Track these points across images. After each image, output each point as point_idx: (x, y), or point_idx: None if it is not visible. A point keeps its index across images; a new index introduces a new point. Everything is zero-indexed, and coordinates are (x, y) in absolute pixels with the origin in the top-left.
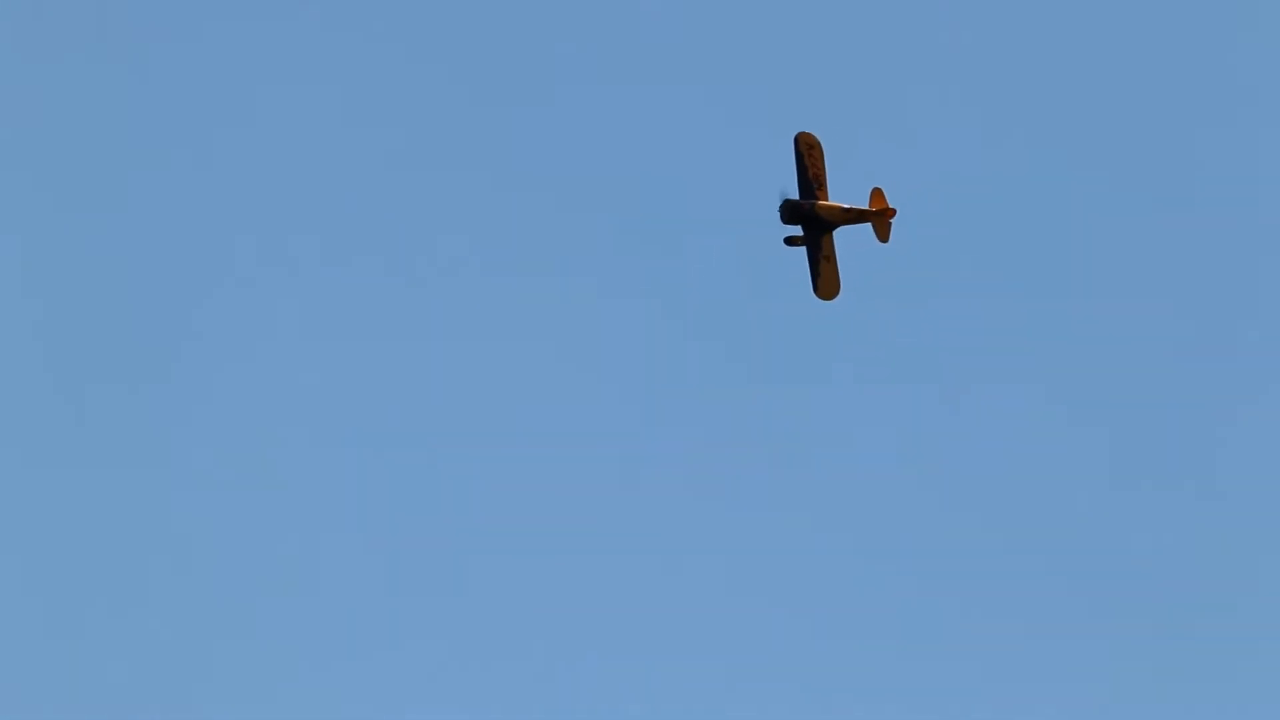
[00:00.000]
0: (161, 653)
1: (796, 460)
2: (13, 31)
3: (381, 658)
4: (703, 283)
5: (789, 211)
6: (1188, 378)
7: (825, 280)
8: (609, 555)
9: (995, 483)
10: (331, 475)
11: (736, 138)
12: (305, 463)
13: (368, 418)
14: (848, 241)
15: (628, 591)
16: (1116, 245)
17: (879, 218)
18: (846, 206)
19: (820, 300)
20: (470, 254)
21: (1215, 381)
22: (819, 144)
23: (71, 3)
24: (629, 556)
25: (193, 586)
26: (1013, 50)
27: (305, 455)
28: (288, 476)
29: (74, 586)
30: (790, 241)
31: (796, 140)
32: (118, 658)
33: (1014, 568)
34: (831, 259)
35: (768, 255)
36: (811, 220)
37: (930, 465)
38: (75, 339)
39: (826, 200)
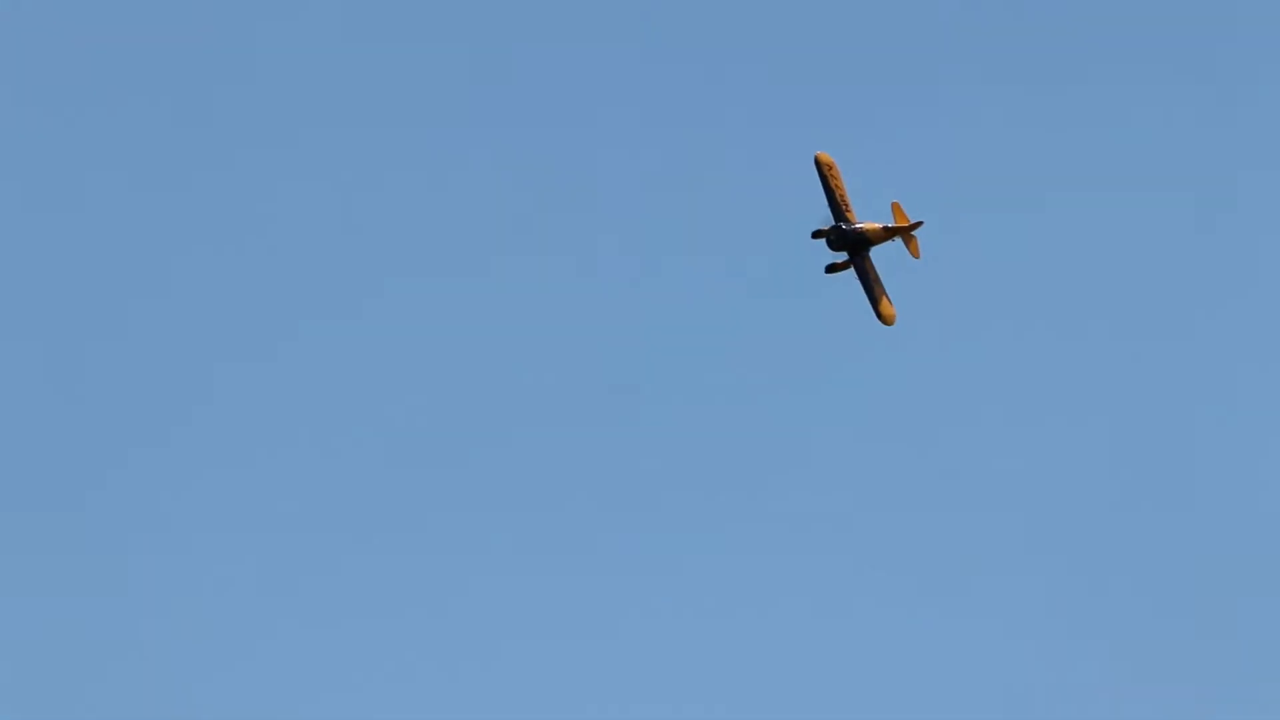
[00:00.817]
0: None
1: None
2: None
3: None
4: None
5: (838, 237)
6: None
7: (885, 302)
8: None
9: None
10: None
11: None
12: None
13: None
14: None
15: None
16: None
17: (910, 232)
18: (885, 225)
19: (884, 325)
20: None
21: None
22: (835, 163)
23: None
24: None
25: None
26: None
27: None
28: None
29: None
30: (832, 269)
31: (817, 162)
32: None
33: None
34: (880, 281)
35: (812, 286)
36: (857, 243)
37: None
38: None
39: (856, 220)
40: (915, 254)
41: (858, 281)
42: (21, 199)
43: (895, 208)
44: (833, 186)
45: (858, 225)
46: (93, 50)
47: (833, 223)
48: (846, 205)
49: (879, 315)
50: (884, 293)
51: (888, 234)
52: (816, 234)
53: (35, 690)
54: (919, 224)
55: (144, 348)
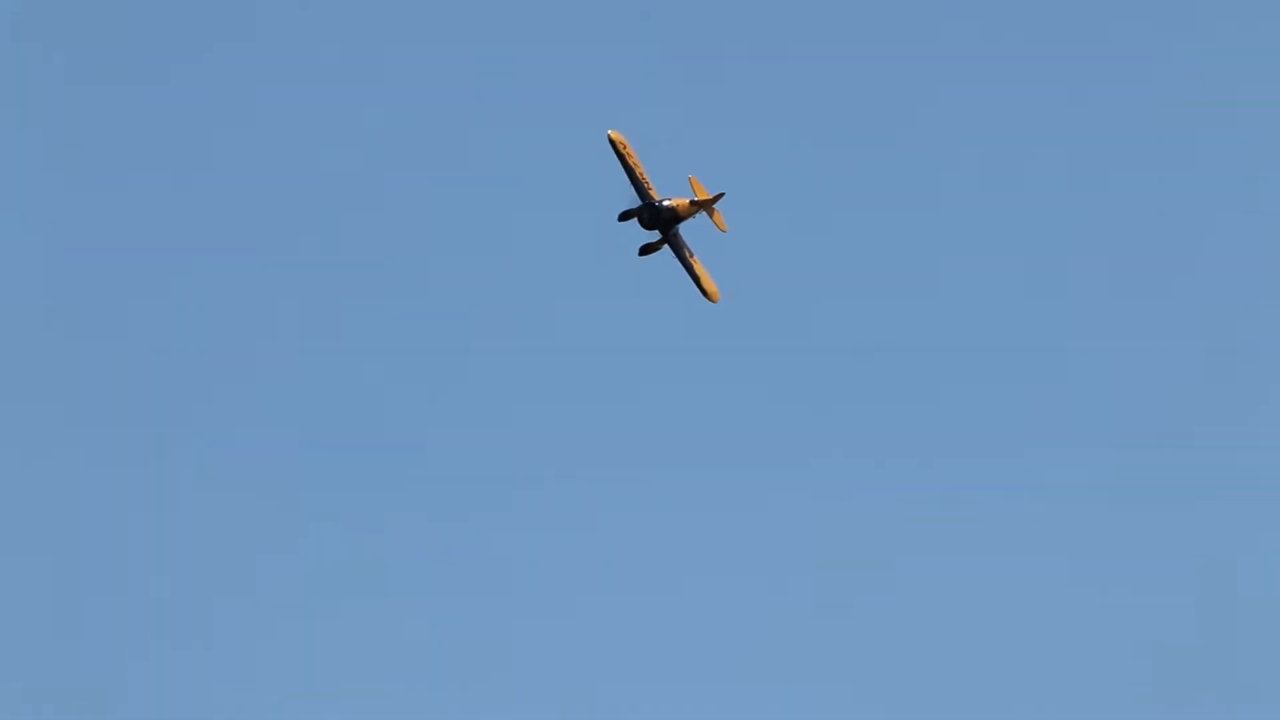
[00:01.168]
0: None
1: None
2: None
3: None
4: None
5: (651, 216)
6: None
7: (707, 279)
8: None
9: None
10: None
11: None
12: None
13: None
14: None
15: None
16: None
17: (713, 205)
18: (690, 200)
19: (709, 301)
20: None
21: None
22: (628, 140)
23: None
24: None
25: None
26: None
27: None
28: None
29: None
30: (646, 251)
31: (611, 141)
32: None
33: None
34: (695, 257)
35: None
36: (670, 221)
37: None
38: None
39: (658, 197)
40: (722, 227)
41: (674, 261)
42: (19, 196)
43: (693, 182)
44: (631, 165)
45: (666, 201)
46: (90, 45)
47: (640, 203)
48: (647, 183)
49: (704, 292)
50: (703, 269)
51: (694, 208)
52: (625, 215)
53: (32, 689)
54: (720, 196)
55: (141, 346)
